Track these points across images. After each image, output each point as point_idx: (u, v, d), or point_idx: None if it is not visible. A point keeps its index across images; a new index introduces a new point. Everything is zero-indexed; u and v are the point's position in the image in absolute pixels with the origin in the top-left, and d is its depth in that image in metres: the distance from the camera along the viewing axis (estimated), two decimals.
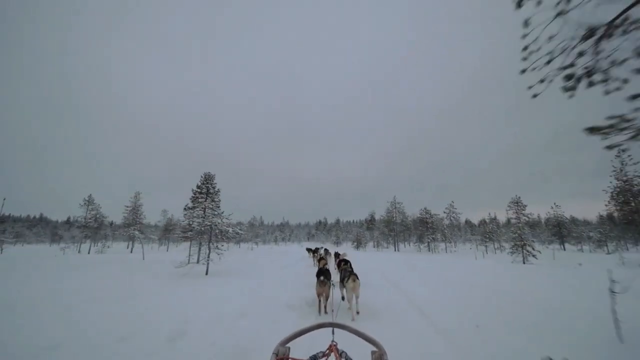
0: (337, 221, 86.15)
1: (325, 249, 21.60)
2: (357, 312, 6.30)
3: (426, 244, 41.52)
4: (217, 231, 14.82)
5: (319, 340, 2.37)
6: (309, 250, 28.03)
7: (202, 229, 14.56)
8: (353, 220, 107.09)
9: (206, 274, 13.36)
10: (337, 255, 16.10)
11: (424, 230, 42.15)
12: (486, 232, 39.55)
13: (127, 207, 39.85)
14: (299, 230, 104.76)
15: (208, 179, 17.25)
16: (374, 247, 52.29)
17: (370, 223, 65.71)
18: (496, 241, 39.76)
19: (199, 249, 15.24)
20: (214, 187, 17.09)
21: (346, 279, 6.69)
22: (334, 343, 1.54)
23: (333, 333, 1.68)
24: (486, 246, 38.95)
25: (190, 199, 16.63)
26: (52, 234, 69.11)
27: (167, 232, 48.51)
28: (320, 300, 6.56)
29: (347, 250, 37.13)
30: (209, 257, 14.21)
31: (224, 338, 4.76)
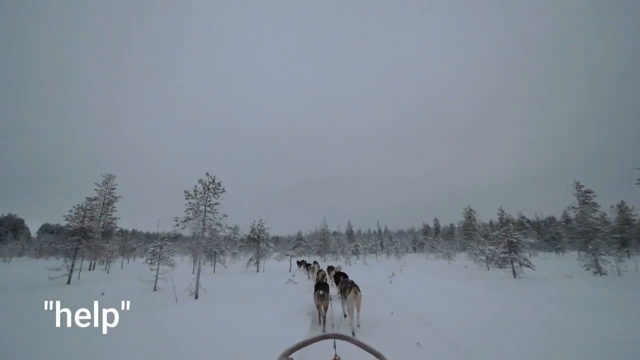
0: (469, 219, 42.49)
1: (316, 262, 22.12)
2: (358, 326, 6.30)
3: None
4: None
5: (322, 353, 2.27)
6: (299, 263, 29.35)
7: None
8: (494, 221, 49.95)
9: None
10: (330, 268, 16.73)
11: None
12: None
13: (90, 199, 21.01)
14: (401, 238, 76.49)
15: None
16: None
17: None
18: None
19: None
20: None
21: (347, 291, 6.57)
22: (337, 357, 1.54)
23: (335, 347, 1.67)
24: None
25: None
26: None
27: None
28: (319, 312, 6.58)
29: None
30: None
31: None
